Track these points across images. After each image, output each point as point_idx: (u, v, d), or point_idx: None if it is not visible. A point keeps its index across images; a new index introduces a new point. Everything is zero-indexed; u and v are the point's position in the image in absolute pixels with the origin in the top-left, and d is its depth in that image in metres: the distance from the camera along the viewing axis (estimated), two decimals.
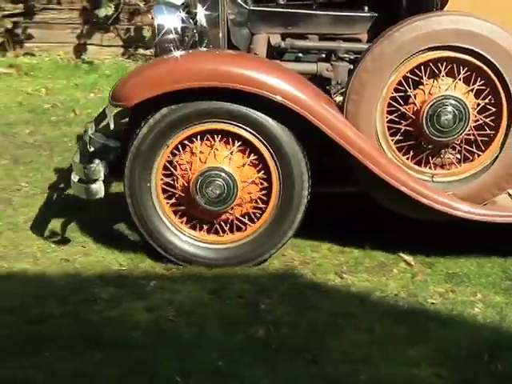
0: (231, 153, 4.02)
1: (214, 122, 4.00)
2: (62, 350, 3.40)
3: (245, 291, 3.91)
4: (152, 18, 4.32)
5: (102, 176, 4.07)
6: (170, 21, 4.27)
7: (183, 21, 4.30)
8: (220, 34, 4.37)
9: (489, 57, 4.00)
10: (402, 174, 4.02)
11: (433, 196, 4.01)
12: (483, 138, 4.10)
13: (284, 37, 4.42)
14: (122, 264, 4.21)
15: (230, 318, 3.67)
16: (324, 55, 4.40)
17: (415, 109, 4.04)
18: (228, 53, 4.31)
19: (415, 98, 4.04)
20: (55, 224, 4.55)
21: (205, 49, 4.35)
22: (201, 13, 4.33)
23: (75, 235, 4.44)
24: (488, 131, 4.08)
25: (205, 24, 4.34)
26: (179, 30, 4.27)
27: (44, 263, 4.17)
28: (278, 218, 4.07)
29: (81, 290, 3.90)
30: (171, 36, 4.25)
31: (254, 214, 4.11)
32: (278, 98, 3.93)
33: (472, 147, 4.11)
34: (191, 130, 4.01)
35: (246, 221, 4.11)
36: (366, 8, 4.46)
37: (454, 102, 3.98)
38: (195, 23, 4.34)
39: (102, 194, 4.10)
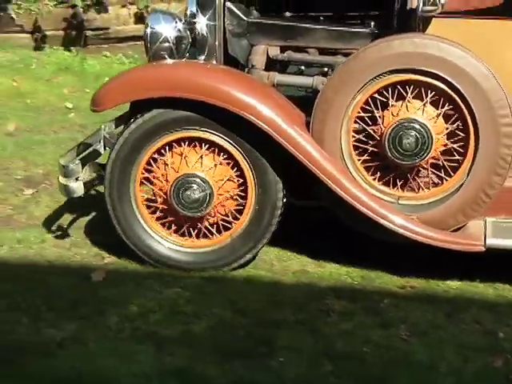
0: (201, 156, 4.05)
1: (182, 130, 4.03)
2: (293, 357, 3.42)
3: (482, 317, 3.78)
4: (147, 26, 4.35)
5: (81, 176, 4.18)
6: (165, 29, 4.30)
7: (179, 30, 4.31)
8: (216, 43, 4.39)
9: (454, 82, 3.87)
10: (362, 194, 3.96)
11: (390, 217, 3.94)
12: (451, 164, 3.99)
13: (283, 49, 4.36)
14: (354, 279, 4.20)
15: (466, 343, 3.55)
16: (326, 69, 4.29)
17: (381, 130, 3.93)
18: (205, 65, 4.31)
19: (381, 119, 3.94)
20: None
21: (188, 60, 4.34)
22: (202, 22, 4.36)
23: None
24: (456, 157, 3.96)
25: (205, 33, 4.37)
26: (174, 39, 4.30)
27: (280, 271, 4.24)
28: (259, 211, 4.08)
29: (314, 300, 3.92)
30: (166, 44, 4.28)
31: (236, 211, 4.12)
32: (241, 113, 3.94)
33: (440, 172, 4.01)
34: (159, 142, 4.06)
35: (230, 219, 4.13)
36: (368, 24, 4.31)
37: (416, 125, 3.88)
38: (197, 33, 4.37)
39: (80, 193, 4.21)
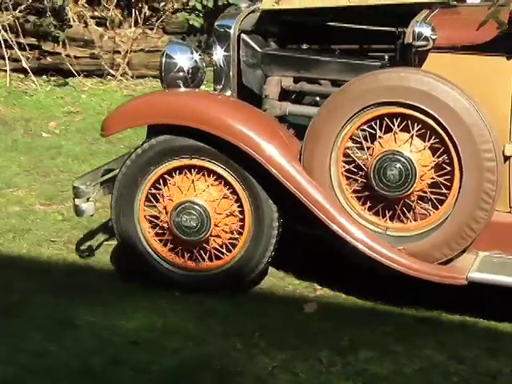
0: (208, 186, 4.14)
1: (188, 158, 4.12)
2: None
3: None
4: (163, 56, 4.36)
5: (92, 197, 4.32)
6: (180, 59, 4.35)
7: (195, 61, 4.37)
8: (230, 74, 4.50)
9: (437, 116, 3.85)
10: (348, 223, 3.99)
11: (375, 247, 3.95)
12: (437, 196, 3.96)
13: (296, 80, 4.41)
14: None
15: None
16: None
17: (369, 161, 3.95)
18: (211, 95, 4.41)
19: (369, 150, 3.97)
20: None
21: (191, 89, 4.35)
22: (219, 53, 4.51)
23: None
24: (443, 190, 3.94)
25: (221, 64, 4.51)
26: (189, 69, 4.34)
27: (494, 319, 4.08)
28: (255, 238, 4.13)
29: None
30: (180, 74, 4.32)
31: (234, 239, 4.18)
32: (229, 139, 4.02)
33: (428, 204, 3.99)
34: (167, 166, 4.15)
35: (229, 243, 4.18)
36: (381, 57, 4.29)
37: (400, 158, 3.90)
38: (214, 64, 4.52)
39: (90, 213, 4.36)
